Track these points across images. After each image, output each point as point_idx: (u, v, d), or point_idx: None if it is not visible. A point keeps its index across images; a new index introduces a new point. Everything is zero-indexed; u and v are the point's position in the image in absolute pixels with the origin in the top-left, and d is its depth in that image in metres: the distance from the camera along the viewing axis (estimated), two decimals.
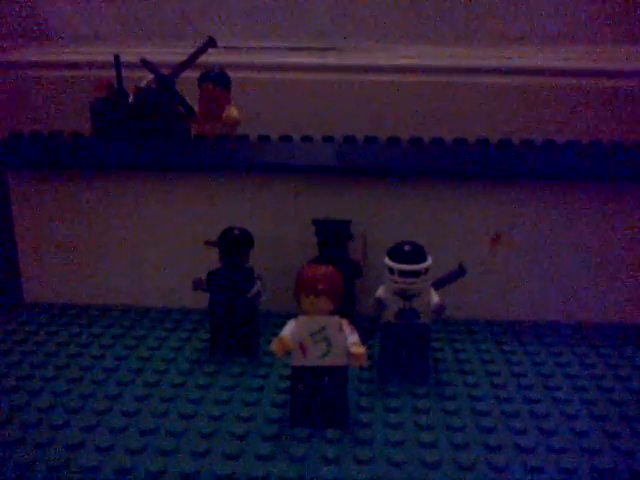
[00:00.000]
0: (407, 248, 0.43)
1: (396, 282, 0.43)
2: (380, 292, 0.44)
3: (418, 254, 0.43)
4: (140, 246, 0.56)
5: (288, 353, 0.38)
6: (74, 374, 0.45)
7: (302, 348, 0.38)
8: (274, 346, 0.37)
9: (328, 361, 0.38)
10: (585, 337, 0.51)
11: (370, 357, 0.44)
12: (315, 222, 0.52)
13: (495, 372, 0.46)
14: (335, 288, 0.38)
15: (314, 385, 0.38)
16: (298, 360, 0.38)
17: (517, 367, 0.46)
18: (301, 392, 0.39)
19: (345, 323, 0.38)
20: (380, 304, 0.44)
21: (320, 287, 0.37)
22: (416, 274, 0.42)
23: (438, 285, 0.46)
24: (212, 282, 0.47)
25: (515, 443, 0.37)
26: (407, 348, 0.44)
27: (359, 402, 0.41)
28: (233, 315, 0.47)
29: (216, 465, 0.35)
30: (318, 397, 0.38)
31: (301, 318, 0.38)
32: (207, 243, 0.47)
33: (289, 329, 0.38)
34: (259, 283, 0.47)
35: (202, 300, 0.48)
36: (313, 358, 0.38)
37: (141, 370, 0.45)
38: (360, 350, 0.37)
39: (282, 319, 0.39)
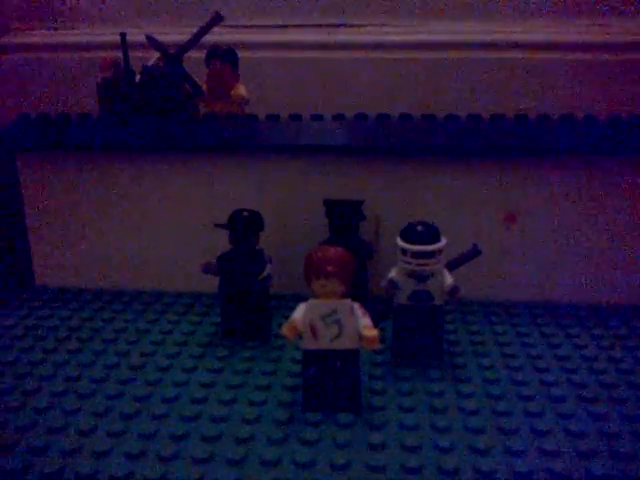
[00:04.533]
0: (420, 228, 0.42)
1: (409, 263, 0.42)
2: (393, 274, 0.43)
3: (431, 235, 0.42)
4: (150, 229, 0.55)
5: (299, 337, 0.37)
6: (86, 359, 0.45)
7: (313, 331, 0.37)
8: (285, 330, 0.37)
9: (340, 344, 0.37)
10: (603, 319, 0.50)
11: (383, 340, 0.43)
12: (326, 203, 0.51)
13: (510, 354, 0.45)
14: (346, 270, 0.37)
15: (326, 369, 0.38)
16: (309, 344, 0.38)
17: (533, 349, 0.45)
18: (313, 376, 0.38)
19: (357, 306, 0.37)
20: (393, 286, 0.43)
21: (330, 269, 0.36)
22: (429, 255, 0.41)
23: (452, 266, 0.45)
24: (222, 265, 0.46)
25: (531, 427, 0.37)
26: (420, 330, 0.44)
27: (372, 386, 0.41)
28: (244, 298, 0.46)
29: (227, 449, 0.35)
30: (330, 381, 0.38)
31: (312, 301, 0.37)
32: (217, 226, 0.46)
33: (300, 312, 0.37)
34: (270, 266, 0.46)
35: (213, 284, 0.47)
36: (324, 342, 0.37)
37: (152, 354, 0.45)
38: (372, 333, 0.36)
39: (293, 302, 0.38)
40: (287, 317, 0.38)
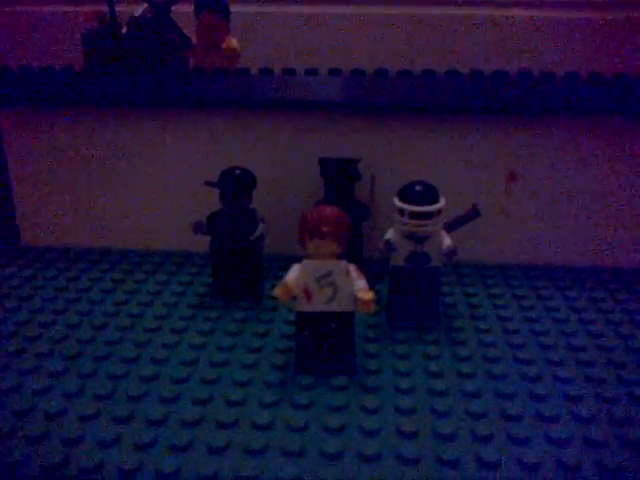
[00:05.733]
0: (418, 188, 0.41)
1: (406, 224, 0.40)
2: (390, 235, 0.42)
3: (430, 195, 0.41)
4: (139, 186, 0.54)
5: (292, 298, 0.36)
6: (73, 319, 0.43)
7: (307, 293, 0.36)
8: (277, 291, 0.36)
9: (334, 307, 0.36)
10: (602, 282, 0.49)
11: (378, 302, 0.42)
12: (321, 161, 0.49)
13: (507, 317, 0.44)
14: (341, 231, 0.36)
15: (320, 331, 0.37)
16: (303, 305, 0.37)
17: (530, 312, 0.45)
18: (306, 338, 0.37)
19: (352, 268, 0.36)
20: (389, 247, 0.42)
21: (325, 230, 0.35)
22: (428, 216, 0.40)
23: (450, 227, 0.44)
24: (213, 225, 0.45)
25: (528, 391, 0.36)
26: (417, 293, 0.43)
27: (366, 349, 0.40)
28: (236, 259, 0.45)
29: (219, 412, 0.34)
30: (324, 343, 0.37)
31: (306, 262, 0.36)
32: (207, 184, 0.44)
33: (294, 274, 0.36)
34: (262, 225, 0.45)
35: (204, 243, 0.46)
36: (318, 303, 0.36)
37: (141, 315, 0.44)
38: (368, 296, 0.35)
39: (287, 263, 0.37)
40: (280, 278, 0.37)
